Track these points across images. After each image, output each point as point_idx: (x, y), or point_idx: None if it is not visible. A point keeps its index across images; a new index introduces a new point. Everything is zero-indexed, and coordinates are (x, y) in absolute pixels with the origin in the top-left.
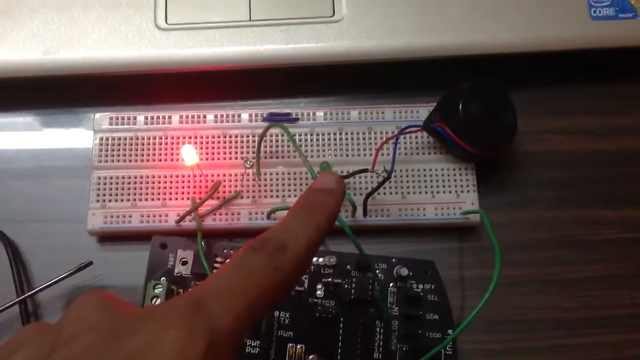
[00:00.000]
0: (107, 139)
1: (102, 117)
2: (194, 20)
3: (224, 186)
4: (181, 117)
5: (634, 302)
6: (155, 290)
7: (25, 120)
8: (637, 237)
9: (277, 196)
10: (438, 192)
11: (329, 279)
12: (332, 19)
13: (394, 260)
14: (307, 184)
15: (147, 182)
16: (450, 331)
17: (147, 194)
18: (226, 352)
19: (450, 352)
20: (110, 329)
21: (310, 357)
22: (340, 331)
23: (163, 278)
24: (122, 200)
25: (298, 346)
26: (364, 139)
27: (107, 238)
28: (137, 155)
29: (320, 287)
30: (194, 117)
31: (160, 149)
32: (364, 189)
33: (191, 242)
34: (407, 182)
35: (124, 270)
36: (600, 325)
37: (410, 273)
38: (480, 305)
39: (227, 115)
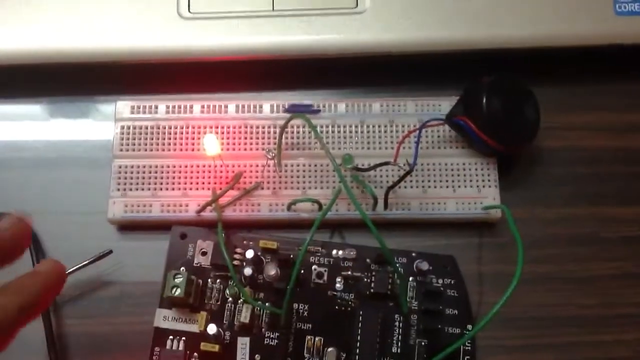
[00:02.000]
0: (129, 128)
1: (123, 106)
2: (216, 9)
3: (245, 177)
4: (203, 107)
5: None
6: (176, 280)
7: (46, 109)
8: None
9: (298, 188)
10: (459, 187)
11: (349, 272)
12: (355, 11)
13: (414, 254)
14: (327, 176)
15: (168, 172)
16: (469, 326)
17: (167, 183)
18: None
19: (469, 348)
20: None
21: (329, 349)
22: (360, 324)
23: (183, 268)
24: (142, 190)
25: (316, 339)
26: (385, 131)
27: (127, 227)
28: (158, 145)
29: (339, 280)
30: (215, 107)
31: (182, 139)
32: (385, 182)
33: (211, 233)
34: (428, 176)
35: (144, 260)
36: (618, 323)
37: (430, 267)
38: (502, 301)
39: (249, 106)
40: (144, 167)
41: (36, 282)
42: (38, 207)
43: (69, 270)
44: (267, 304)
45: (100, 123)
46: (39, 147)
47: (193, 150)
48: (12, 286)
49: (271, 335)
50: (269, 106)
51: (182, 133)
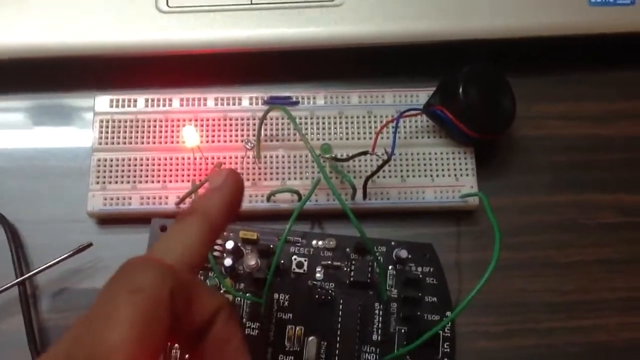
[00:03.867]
0: (108, 122)
1: (102, 100)
2: (195, 3)
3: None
4: (182, 100)
5: (629, 285)
6: None
7: (25, 103)
8: (633, 222)
9: (277, 179)
10: (437, 176)
11: (329, 262)
12: (333, 4)
13: (393, 243)
14: (307, 167)
15: (147, 164)
16: (448, 313)
17: (147, 176)
18: None
19: (449, 334)
20: None
21: (310, 338)
22: (340, 313)
23: None
24: (122, 182)
25: (297, 328)
26: (363, 122)
27: (107, 220)
28: (137, 138)
29: (319, 269)
30: (194, 100)
31: (161, 132)
32: (364, 172)
33: None
34: (407, 165)
35: (124, 253)
36: (597, 308)
37: (409, 256)
38: (479, 286)
39: (228, 99)
40: (123, 160)
41: (221, 199)
42: (18, 201)
43: (48, 264)
44: (247, 294)
45: (79, 118)
46: (18, 141)
47: (172, 142)
48: (198, 207)
49: (252, 326)
50: (248, 98)
51: (161, 126)
